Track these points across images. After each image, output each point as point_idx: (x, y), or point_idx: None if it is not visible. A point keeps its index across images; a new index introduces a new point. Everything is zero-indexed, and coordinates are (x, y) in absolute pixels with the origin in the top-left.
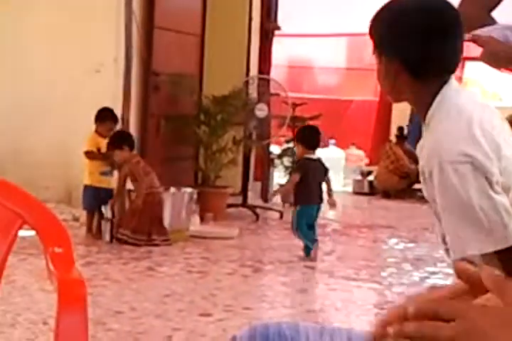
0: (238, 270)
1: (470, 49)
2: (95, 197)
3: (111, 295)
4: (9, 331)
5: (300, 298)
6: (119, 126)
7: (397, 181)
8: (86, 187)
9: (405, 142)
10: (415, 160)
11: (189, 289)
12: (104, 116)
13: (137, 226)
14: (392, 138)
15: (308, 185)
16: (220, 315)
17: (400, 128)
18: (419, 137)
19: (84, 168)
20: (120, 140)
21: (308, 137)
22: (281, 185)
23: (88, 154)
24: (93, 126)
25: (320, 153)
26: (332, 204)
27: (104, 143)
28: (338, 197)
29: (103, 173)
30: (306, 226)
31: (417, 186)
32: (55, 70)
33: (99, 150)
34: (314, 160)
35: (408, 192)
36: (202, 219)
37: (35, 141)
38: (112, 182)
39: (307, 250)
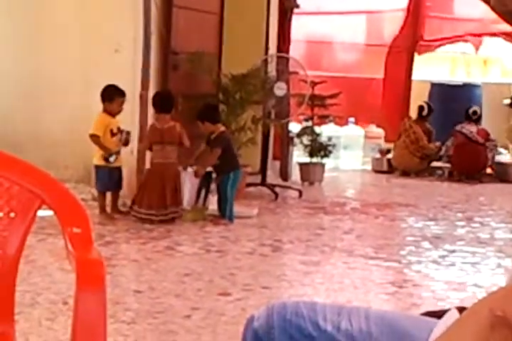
0: (257, 249)
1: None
2: (110, 178)
3: (130, 275)
4: (29, 311)
5: (319, 277)
6: (136, 106)
7: (418, 162)
8: (99, 167)
9: (426, 120)
10: (432, 140)
11: (208, 268)
12: (112, 93)
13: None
14: (412, 115)
15: (233, 153)
16: (239, 295)
17: (420, 107)
18: (438, 114)
19: (95, 148)
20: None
21: (213, 114)
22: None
23: (94, 138)
24: None
25: (339, 131)
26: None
27: (115, 122)
28: (357, 175)
29: (106, 159)
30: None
31: (435, 164)
32: (74, 50)
33: (111, 130)
34: (224, 131)
35: (427, 170)
36: None
37: (54, 120)
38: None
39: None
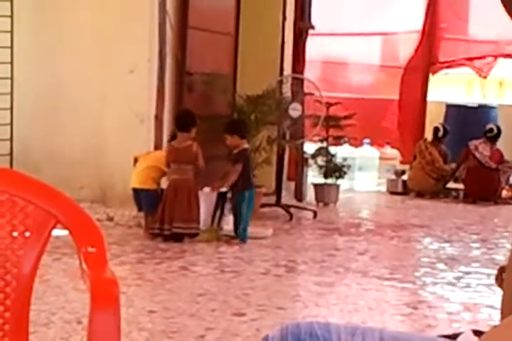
0: (271, 269)
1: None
2: (155, 198)
3: (144, 295)
4: (43, 330)
5: (333, 298)
6: (151, 126)
7: (434, 184)
8: (147, 190)
9: (441, 142)
10: (447, 162)
11: (222, 288)
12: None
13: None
14: (428, 136)
15: (250, 172)
16: (253, 315)
17: (436, 129)
18: (454, 136)
19: (141, 174)
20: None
21: (243, 128)
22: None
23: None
24: (128, 126)
25: (355, 152)
26: None
27: None
28: (372, 196)
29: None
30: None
31: (450, 185)
32: (90, 70)
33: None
34: (247, 149)
35: (442, 191)
36: None
37: (69, 140)
38: None
39: (245, 234)
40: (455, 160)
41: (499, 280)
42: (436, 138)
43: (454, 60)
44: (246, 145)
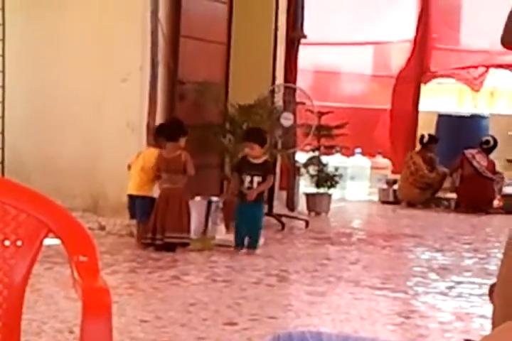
0: (263, 279)
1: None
2: (150, 207)
3: (136, 304)
4: (35, 339)
5: (325, 307)
6: (143, 135)
7: (419, 193)
8: (142, 198)
9: (427, 150)
10: (434, 168)
11: (214, 298)
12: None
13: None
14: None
15: None
16: (245, 324)
17: (421, 137)
18: (445, 146)
19: (142, 180)
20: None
21: (264, 137)
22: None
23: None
24: (120, 135)
25: (346, 161)
26: None
27: None
28: (363, 205)
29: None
30: None
31: (441, 195)
32: (81, 79)
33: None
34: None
35: (433, 200)
36: (227, 228)
37: (61, 149)
38: None
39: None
40: (447, 167)
41: (492, 297)
42: (422, 145)
43: (448, 74)
44: (266, 156)
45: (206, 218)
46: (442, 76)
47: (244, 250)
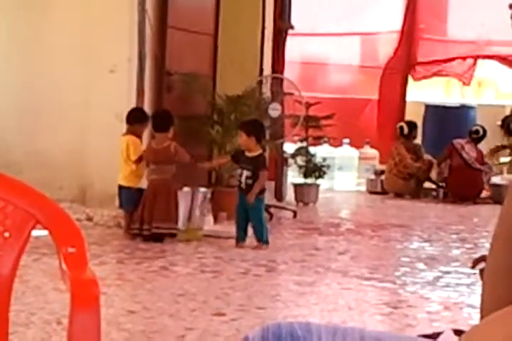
0: (251, 269)
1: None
2: (137, 198)
3: (124, 295)
4: (23, 330)
5: (313, 298)
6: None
7: (403, 184)
8: (132, 189)
9: (410, 138)
10: (420, 157)
11: (202, 288)
12: (142, 116)
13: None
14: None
15: None
16: (233, 315)
17: (400, 128)
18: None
19: (126, 171)
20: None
21: (263, 132)
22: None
23: (137, 162)
24: (108, 126)
25: (334, 152)
26: None
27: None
28: (351, 196)
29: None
30: None
31: (428, 185)
32: (69, 71)
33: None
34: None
35: (421, 191)
36: (215, 219)
37: (49, 141)
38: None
39: (266, 237)
40: (435, 157)
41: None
42: (403, 136)
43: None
44: (261, 151)
45: (193, 208)
46: (434, 75)
47: (247, 243)
